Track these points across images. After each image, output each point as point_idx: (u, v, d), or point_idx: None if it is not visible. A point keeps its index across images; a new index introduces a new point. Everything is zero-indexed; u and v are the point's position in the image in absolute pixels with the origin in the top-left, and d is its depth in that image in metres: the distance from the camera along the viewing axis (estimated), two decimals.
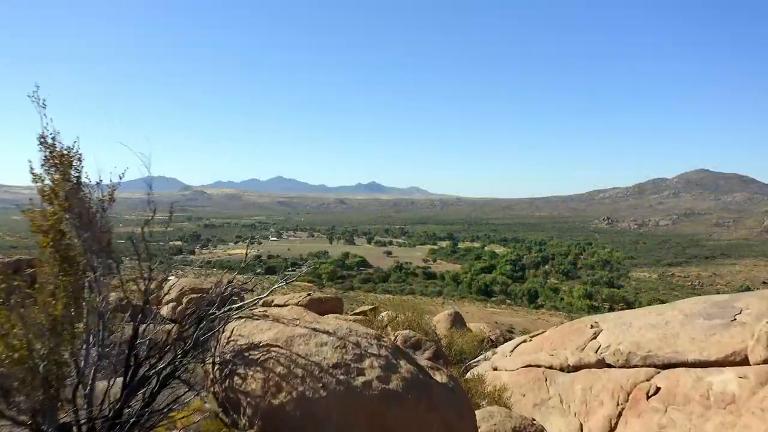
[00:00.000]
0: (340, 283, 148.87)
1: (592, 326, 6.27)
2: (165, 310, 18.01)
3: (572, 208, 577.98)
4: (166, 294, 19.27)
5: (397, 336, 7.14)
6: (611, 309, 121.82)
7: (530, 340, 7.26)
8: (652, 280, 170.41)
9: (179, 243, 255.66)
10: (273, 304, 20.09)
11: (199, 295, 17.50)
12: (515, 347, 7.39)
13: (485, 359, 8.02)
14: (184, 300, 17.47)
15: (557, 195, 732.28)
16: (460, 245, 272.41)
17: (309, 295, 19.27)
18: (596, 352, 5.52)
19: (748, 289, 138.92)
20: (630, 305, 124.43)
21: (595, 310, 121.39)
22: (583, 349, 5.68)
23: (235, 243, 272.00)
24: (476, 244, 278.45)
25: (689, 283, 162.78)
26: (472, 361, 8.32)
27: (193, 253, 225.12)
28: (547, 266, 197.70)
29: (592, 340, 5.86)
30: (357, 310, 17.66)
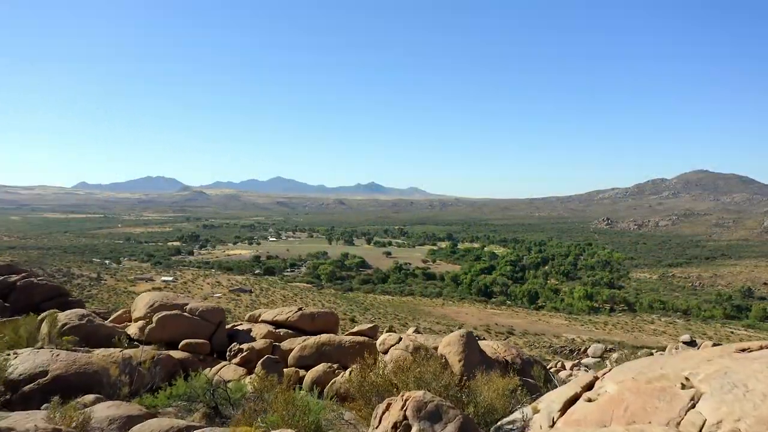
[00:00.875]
0: (339, 284, 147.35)
1: (683, 385, 4.38)
2: (132, 330, 15.68)
3: (571, 209, 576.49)
4: (133, 311, 16.80)
5: (407, 401, 5.32)
6: (612, 310, 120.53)
7: (586, 397, 5.31)
8: (652, 280, 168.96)
9: (178, 243, 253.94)
10: (260, 320, 17.59)
11: (174, 312, 15.34)
12: (564, 405, 5.52)
13: (524, 420, 6.17)
14: (155, 318, 15.22)
15: (556, 195, 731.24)
16: (460, 246, 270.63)
17: (300, 309, 17.21)
18: (701, 430, 3.82)
19: (750, 290, 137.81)
20: (631, 306, 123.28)
21: (595, 311, 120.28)
22: (679, 423, 3.93)
23: (234, 243, 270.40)
24: (476, 245, 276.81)
25: (690, 284, 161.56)
26: (504, 420, 6.45)
27: (191, 253, 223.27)
28: (547, 267, 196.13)
29: (689, 409, 4.02)
30: (354, 330, 15.54)
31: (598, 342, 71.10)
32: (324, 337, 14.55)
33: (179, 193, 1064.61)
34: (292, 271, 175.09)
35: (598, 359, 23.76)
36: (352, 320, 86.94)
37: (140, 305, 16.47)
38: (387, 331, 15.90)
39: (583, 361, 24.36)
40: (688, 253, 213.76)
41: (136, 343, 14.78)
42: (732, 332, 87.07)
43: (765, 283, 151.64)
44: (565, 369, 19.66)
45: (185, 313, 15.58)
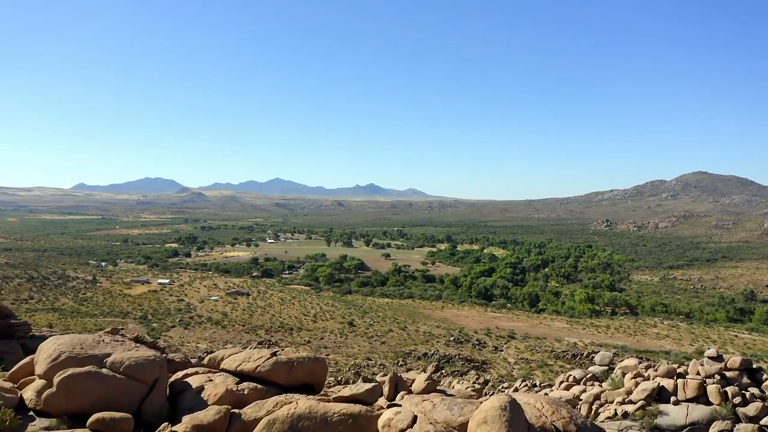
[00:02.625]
0: (338, 286, 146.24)
1: None
2: (29, 394, 11.05)
3: (571, 210, 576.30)
4: (36, 363, 11.82)
5: None
6: (614, 313, 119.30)
7: None
8: (653, 283, 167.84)
9: (175, 245, 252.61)
10: (221, 368, 13.04)
11: (85, 369, 10.65)
12: None
13: None
14: (56, 380, 10.60)
15: (556, 197, 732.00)
16: (459, 247, 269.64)
17: (274, 355, 12.71)
18: None
19: (752, 292, 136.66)
20: (633, 309, 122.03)
21: (597, 314, 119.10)
22: None
23: (232, 245, 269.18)
24: (475, 247, 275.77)
25: (691, 287, 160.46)
26: None
27: (189, 255, 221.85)
28: (547, 269, 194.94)
29: None
30: (345, 393, 11.18)
31: (601, 346, 69.88)
32: (302, 405, 10.19)
33: (178, 195, 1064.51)
34: (290, 273, 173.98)
35: (606, 367, 22.53)
36: (351, 324, 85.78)
37: (42, 357, 11.52)
38: (389, 381, 12.31)
39: (589, 368, 23.12)
40: (689, 254, 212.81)
41: (31, 413, 10.70)
42: (736, 336, 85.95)
43: (767, 286, 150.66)
44: (578, 384, 18.04)
45: (104, 369, 10.88)
